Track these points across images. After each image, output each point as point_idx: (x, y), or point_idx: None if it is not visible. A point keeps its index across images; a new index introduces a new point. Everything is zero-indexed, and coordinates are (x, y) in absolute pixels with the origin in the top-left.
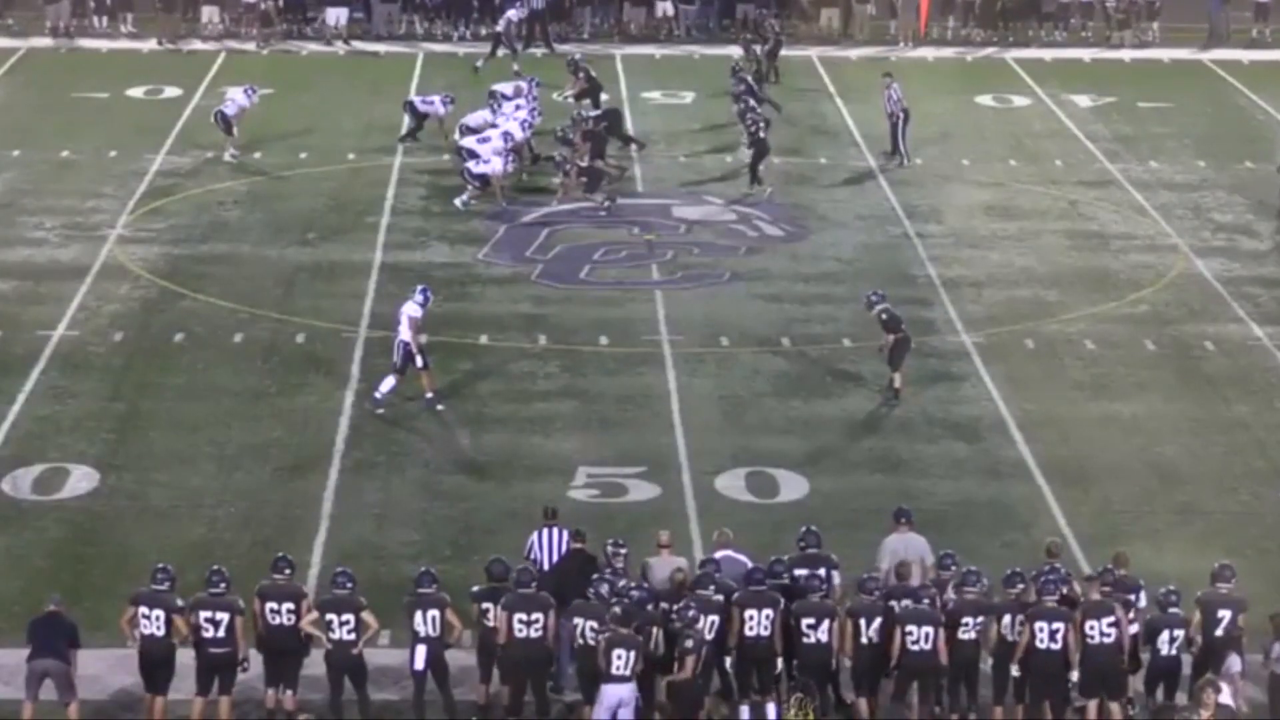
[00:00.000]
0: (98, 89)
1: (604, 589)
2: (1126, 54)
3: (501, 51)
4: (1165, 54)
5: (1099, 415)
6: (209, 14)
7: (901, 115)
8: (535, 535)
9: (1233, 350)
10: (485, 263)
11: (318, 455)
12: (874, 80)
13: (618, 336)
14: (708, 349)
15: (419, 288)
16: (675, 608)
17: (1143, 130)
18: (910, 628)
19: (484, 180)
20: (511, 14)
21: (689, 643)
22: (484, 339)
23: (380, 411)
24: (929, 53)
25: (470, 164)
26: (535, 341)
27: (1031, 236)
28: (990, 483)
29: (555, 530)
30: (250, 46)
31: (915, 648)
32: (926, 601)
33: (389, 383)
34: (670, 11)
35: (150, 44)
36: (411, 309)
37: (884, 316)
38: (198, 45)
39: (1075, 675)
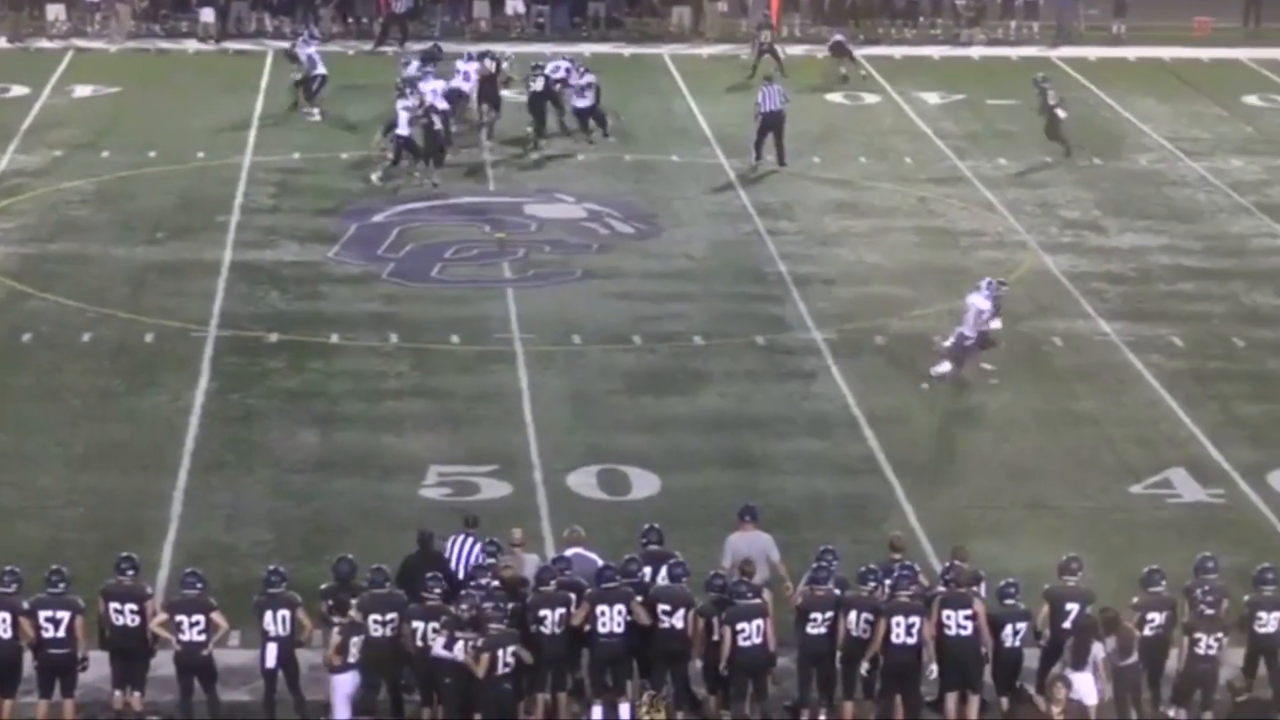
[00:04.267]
0: None
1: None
2: (975, 51)
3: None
4: (1013, 52)
5: (949, 411)
6: (55, 12)
7: (765, 117)
8: (450, 542)
9: (1081, 345)
10: (336, 261)
11: (167, 455)
12: (725, 78)
13: (469, 335)
14: (559, 347)
15: (986, 281)
16: (462, 605)
17: (991, 127)
18: (741, 625)
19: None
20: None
21: (481, 640)
22: (335, 338)
23: (924, 386)
24: (778, 50)
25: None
26: (386, 340)
27: (882, 234)
28: (841, 479)
29: (470, 539)
30: (98, 45)
31: (746, 644)
32: (753, 597)
33: (945, 367)
34: (520, 9)
35: None
36: (979, 300)
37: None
38: (44, 44)
39: (934, 670)
